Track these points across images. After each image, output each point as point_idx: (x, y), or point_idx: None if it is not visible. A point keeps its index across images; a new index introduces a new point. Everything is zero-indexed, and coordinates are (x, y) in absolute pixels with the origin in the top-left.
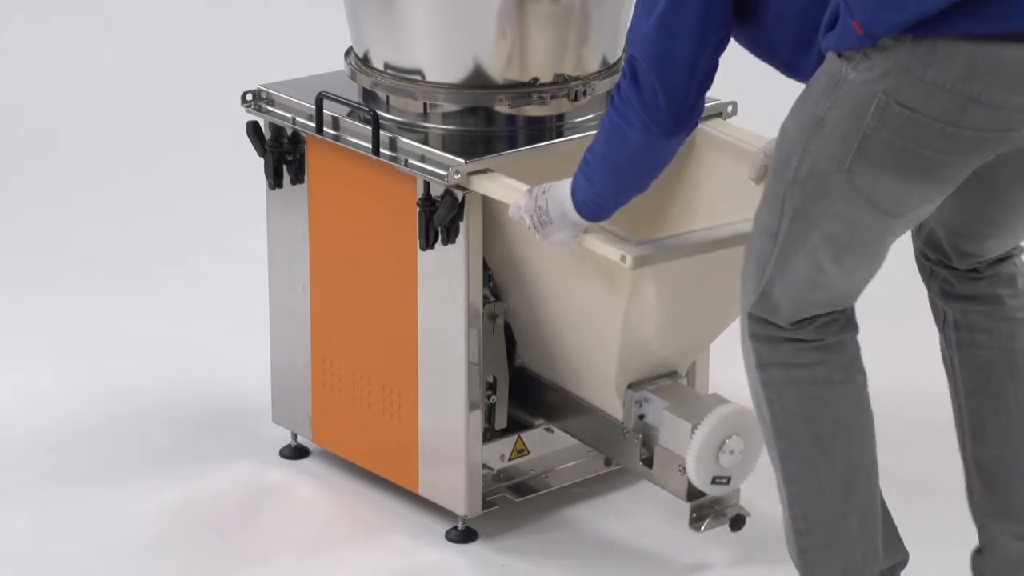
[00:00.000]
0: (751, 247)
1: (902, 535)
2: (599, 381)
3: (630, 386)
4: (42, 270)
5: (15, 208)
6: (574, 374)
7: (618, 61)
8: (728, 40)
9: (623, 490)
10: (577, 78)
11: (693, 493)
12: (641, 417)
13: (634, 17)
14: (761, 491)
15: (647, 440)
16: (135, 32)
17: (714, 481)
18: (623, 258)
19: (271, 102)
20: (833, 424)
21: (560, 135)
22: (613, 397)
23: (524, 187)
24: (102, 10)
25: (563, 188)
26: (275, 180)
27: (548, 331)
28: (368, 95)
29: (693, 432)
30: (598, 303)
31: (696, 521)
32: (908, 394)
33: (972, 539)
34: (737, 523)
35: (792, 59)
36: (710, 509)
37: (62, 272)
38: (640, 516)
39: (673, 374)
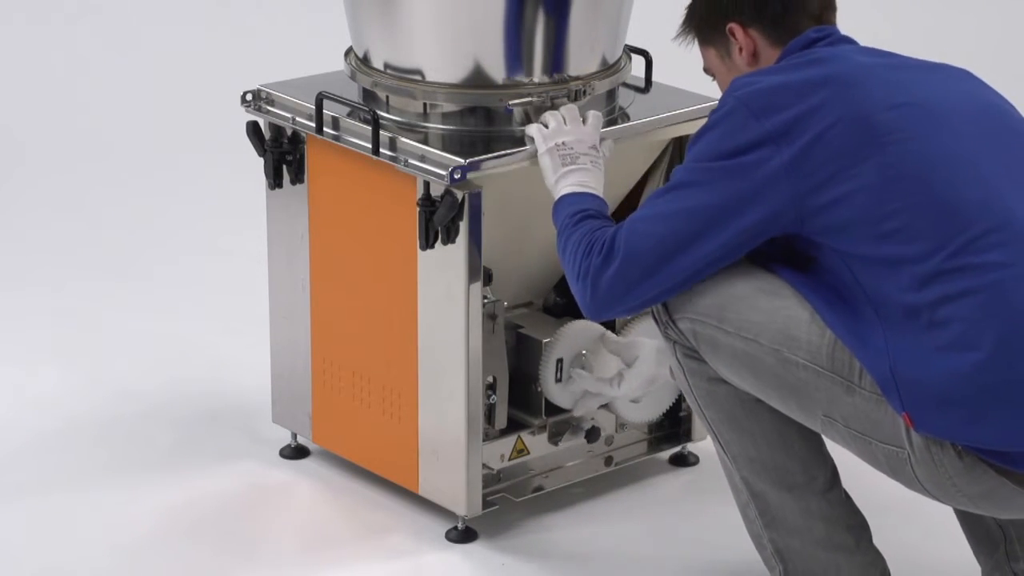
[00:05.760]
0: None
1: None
2: None
3: None
4: (42, 270)
5: (15, 208)
6: None
7: (618, 60)
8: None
9: (623, 490)
10: (577, 78)
11: (550, 410)
12: None
13: (655, 200)
14: None
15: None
16: (135, 32)
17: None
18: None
19: (271, 102)
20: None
21: None
22: None
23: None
24: (102, 9)
25: (570, 183)
26: (275, 180)
27: None
28: (368, 95)
29: (544, 348)
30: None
31: (554, 437)
32: None
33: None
34: (592, 435)
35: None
36: (566, 425)
37: (62, 272)
38: (641, 516)
39: (529, 304)
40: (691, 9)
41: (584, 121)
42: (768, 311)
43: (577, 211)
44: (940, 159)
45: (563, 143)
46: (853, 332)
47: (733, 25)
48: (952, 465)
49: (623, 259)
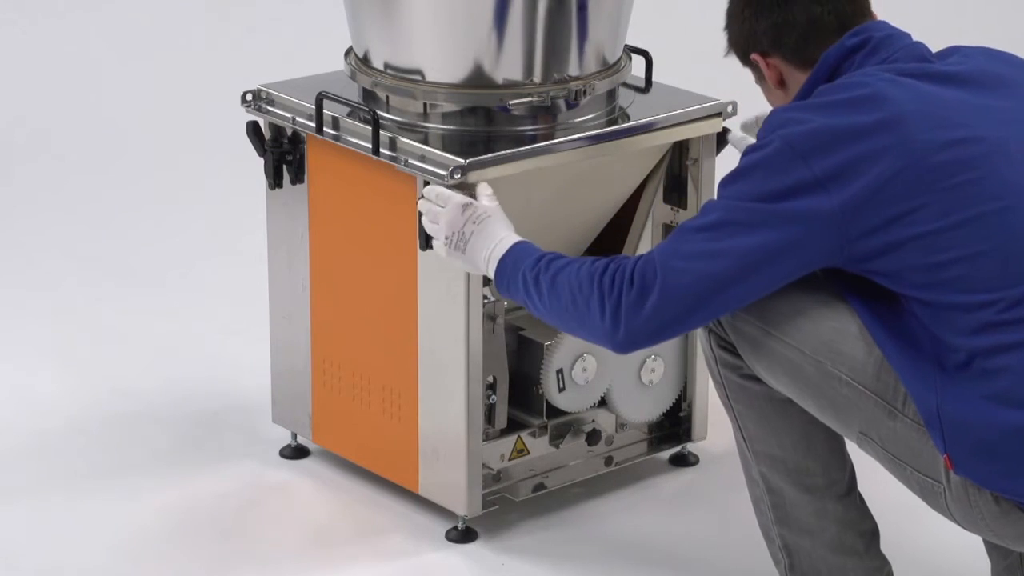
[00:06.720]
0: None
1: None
2: None
3: None
4: (42, 270)
5: (15, 209)
6: None
7: (618, 60)
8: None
9: (623, 490)
10: (577, 78)
11: (551, 412)
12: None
13: (691, 236)
14: None
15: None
16: (135, 32)
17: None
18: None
19: (271, 102)
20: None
21: (560, 135)
22: None
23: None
24: (101, 10)
25: (491, 247)
26: (275, 180)
27: None
28: (368, 95)
29: (545, 351)
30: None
31: (556, 439)
32: None
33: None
34: (593, 438)
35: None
36: (568, 427)
37: (62, 272)
38: (640, 515)
39: None
40: (726, 34)
41: (440, 199)
42: (815, 320)
43: (537, 258)
44: (999, 199)
45: (452, 233)
46: (905, 356)
47: (755, 56)
48: (987, 508)
49: (660, 296)
